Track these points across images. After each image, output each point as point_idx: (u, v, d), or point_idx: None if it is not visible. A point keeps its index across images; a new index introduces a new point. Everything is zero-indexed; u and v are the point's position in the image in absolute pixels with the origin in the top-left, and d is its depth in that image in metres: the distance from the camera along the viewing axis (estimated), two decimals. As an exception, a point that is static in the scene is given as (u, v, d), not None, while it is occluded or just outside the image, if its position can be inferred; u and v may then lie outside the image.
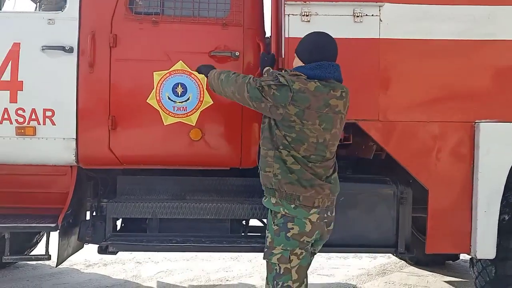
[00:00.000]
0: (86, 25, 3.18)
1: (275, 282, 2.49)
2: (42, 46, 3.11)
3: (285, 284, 2.45)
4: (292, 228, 2.42)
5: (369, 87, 3.14)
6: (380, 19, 3.13)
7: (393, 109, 3.15)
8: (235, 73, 2.68)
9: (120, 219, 3.59)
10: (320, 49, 2.56)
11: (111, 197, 3.45)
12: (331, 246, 3.22)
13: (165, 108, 3.17)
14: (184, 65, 3.18)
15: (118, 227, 3.63)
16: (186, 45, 3.22)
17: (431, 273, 4.93)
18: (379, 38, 3.13)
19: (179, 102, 3.17)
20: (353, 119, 3.13)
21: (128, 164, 3.29)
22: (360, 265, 5.23)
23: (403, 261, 5.27)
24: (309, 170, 2.43)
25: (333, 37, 3.16)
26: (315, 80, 2.44)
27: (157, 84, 3.16)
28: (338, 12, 3.11)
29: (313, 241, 2.53)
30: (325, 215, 2.51)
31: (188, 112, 3.19)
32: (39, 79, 3.14)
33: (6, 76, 3.10)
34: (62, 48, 3.11)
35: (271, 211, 2.54)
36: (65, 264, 5.18)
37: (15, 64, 3.10)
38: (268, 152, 2.50)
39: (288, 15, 3.09)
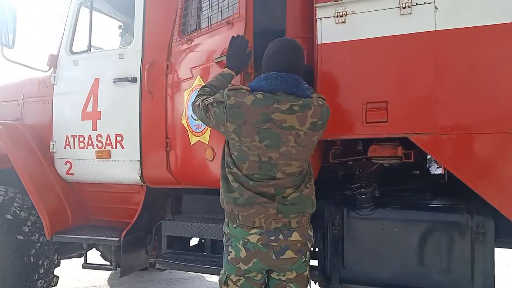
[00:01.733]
0: (148, 56, 3.44)
1: None
2: (113, 79, 3.51)
3: None
4: (231, 252, 2.28)
5: (423, 93, 2.52)
6: (435, 6, 2.50)
7: (457, 119, 2.45)
8: (201, 93, 2.40)
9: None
10: (270, 59, 2.30)
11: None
12: (381, 286, 2.73)
13: (190, 127, 3.05)
14: (201, 80, 2.99)
15: (194, 243, 3.81)
16: (201, 59, 3.06)
17: None
18: (435, 31, 2.50)
19: (197, 120, 2.82)
20: (402, 133, 2.59)
21: (185, 183, 3.39)
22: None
23: None
24: (252, 188, 2.23)
25: (376, 36, 2.71)
26: (260, 93, 2.17)
27: (185, 103, 3.08)
28: (380, 6, 2.62)
29: (255, 270, 2.24)
30: (272, 238, 2.20)
31: (203, 130, 2.97)
32: (112, 108, 3.55)
33: (89, 108, 3.62)
34: (126, 79, 3.45)
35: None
36: (196, 271, 5.67)
37: (95, 97, 3.60)
38: (220, 171, 2.37)
39: (320, 18, 2.76)
